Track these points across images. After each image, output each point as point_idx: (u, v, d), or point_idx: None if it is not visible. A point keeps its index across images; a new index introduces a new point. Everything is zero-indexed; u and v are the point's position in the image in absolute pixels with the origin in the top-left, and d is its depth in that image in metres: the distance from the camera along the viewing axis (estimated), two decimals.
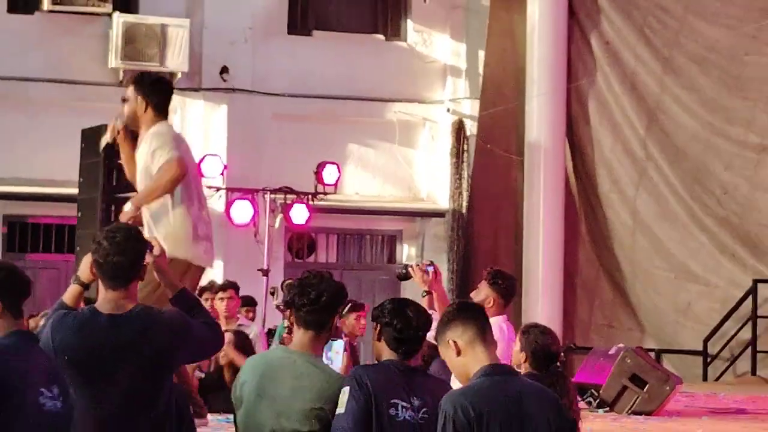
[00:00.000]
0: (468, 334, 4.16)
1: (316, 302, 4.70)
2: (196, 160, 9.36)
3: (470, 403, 4.05)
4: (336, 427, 4.52)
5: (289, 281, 8.74)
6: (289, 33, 15.28)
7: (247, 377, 4.71)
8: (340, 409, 4.43)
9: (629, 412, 9.00)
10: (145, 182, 7.24)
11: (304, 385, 4.59)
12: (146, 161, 7.15)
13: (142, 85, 7.21)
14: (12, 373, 4.38)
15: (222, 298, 9.10)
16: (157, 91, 7.25)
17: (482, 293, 6.33)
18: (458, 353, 4.20)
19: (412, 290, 7.79)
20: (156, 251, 5.06)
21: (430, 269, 6.55)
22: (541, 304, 13.95)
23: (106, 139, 7.27)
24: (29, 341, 4.59)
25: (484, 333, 4.16)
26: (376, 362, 4.87)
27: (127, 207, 7.01)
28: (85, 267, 5.00)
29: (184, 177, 7.00)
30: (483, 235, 15.15)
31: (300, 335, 4.71)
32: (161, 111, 7.19)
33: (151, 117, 7.15)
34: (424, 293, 6.52)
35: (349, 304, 9.08)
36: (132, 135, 7.48)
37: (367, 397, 4.49)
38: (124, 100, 7.24)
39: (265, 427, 4.62)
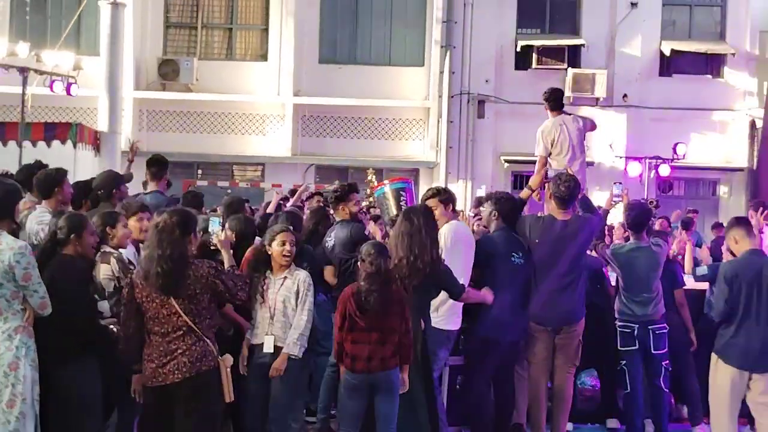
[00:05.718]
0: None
1: None
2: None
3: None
4: None
5: None
6: (659, 75, 22.10)
7: None
8: None
9: None
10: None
11: None
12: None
13: (547, 92, 8.53)
14: (494, 246, 6.57)
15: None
16: (554, 97, 8.34)
17: None
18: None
19: None
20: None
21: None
22: None
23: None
24: (509, 231, 6.77)
25: None
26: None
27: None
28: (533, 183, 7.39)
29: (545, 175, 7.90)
30: None
31: None
32: (554, 108, 8.27)
33: (549, 111, 8.36)
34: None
35: None
36: None
37: None
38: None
39: None
